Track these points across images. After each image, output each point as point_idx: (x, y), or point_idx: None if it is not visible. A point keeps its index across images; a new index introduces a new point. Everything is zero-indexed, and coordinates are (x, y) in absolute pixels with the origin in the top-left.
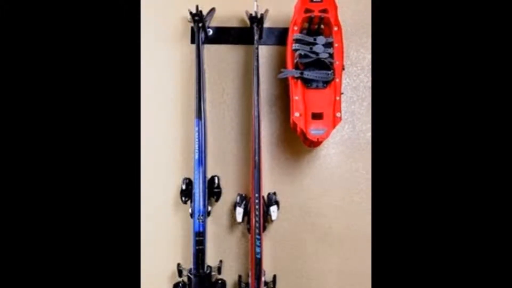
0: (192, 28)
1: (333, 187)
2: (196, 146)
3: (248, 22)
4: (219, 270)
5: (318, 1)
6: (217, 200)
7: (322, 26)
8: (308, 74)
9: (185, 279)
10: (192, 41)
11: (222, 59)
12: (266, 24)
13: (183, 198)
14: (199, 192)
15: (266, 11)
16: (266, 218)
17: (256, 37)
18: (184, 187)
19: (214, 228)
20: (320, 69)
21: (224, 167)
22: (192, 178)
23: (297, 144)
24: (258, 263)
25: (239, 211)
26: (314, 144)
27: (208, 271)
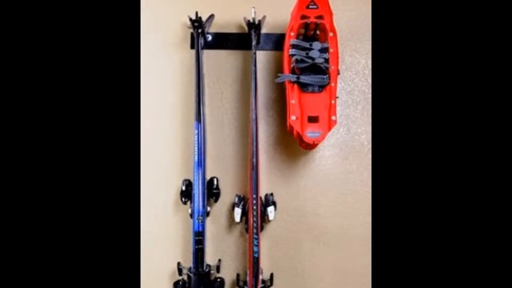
0: (192, 34)
1: (328, 188)
2: (196, 148)
3: (246, 28)
4: (218, 268)
5: (314, 8)
6: (216, 200)
7: (318, 32)
8: (304, 79)
9: (185, 277)
10: (192, 47)
11: (221, 64)
12: (264, 30)
13: (183, 199)
14: (198, 193)
15: (264, 17)
16: (264, 218)
17: (254, 42)
18: (184, 188)
19: (213, 228)
20: (316, 73)
21: (223, 168)
22: (191, 180)
23: (293, 146)
24: (255, 261)
25: (237, 211)
26: (310, 146)
27: (207, 270)
